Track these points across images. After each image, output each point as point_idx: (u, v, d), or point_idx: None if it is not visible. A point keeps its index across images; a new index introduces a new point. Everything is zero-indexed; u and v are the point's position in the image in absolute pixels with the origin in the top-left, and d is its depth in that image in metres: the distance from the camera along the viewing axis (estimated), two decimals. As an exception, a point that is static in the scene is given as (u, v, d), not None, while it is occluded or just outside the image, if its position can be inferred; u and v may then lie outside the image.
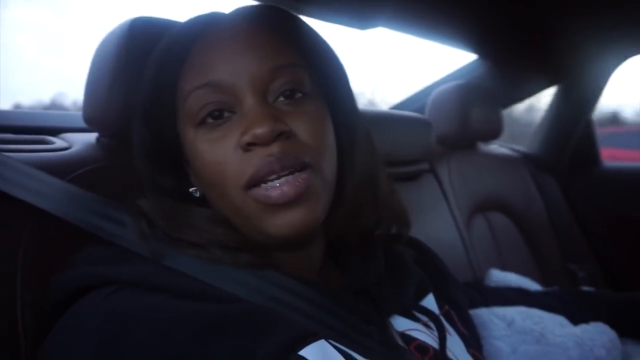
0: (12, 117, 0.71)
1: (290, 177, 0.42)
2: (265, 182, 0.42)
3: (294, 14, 0.50)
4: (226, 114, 0.44)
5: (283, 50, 0.45)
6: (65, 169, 0.54)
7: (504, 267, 1.18)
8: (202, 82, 0.44)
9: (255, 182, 0.42)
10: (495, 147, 1.57)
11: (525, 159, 1.59)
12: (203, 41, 0.46)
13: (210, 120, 0.44)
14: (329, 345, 0.41)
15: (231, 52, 0.44)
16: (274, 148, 0.42)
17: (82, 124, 0.63)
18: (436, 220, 1.18)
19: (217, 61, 0.44)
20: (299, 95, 0.45)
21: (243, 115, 0.43)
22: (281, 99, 0.44)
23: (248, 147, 0.42)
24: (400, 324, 0.50)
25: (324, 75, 0.49)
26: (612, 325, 0.64)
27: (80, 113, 0.62)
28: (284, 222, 0.43)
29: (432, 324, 0.52)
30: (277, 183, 0.42)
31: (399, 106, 1.61)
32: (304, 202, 0.43)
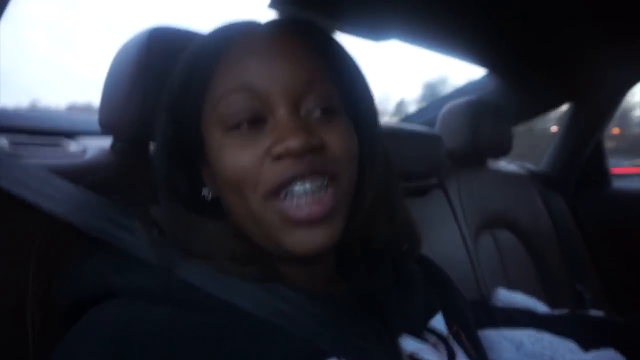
0: (28, 118, 0.72)
1: (318, 194, 0.42)
2: (291, 189, 0.42)
3: (325, 30, 0.50)
4: (258, 122, 0.44)
5: (317, 65, 0.46)
6: (79, 175, 0.54)
7: (510, 286, 1.16)
8: (235, 85, 0.44)
9: (280, 188, 0.42)
10: (504, 164, 1.56)
11: (534, 177, 1.58)
12: (238, 45, 0.46)
13: (242, 126, 0.44)
14: (339, 365, 0.40)
15: (267, 59, 0.44)
16: (305, 159, 0.42)
17: (98, 127, 0.63)
18: (443, 236, 1.17)
19: (252, 65, 0.44)
20: (330, 111, 0.45)
21: (275, 124, 0.43)
22: (313, 114, 0.45)
23: (279, 157, 0.42)
24: (409, 344, 0.49)
25: (350, 92, 0.49)
26: (622, 351, 0.63)
27: (96, 117, 0.62)
28: (304, 241, 0.42)
29: (440, 345, 0.51)
30: (302, 197, 0.42)
31: (408, 118, 1.61)
32: (328, 220, 0.43)
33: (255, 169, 0.43)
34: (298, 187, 0.42)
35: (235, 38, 0.46)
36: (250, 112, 0.44)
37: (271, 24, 0.48)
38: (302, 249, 0.43)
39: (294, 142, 0.41)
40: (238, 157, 0.43)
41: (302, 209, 0.42)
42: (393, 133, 1.07)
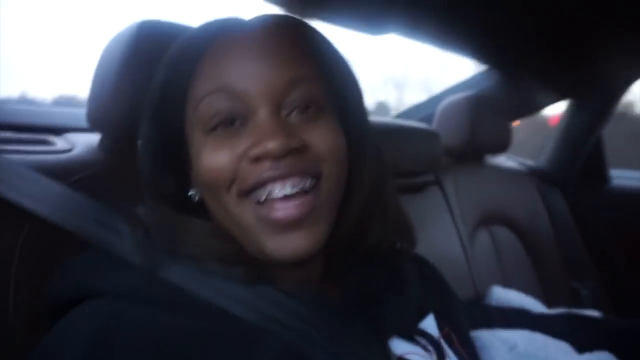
0: (15, 115, 0.71)
1: (297, 198, 0.41)
2: (270, 191, 0.41)
3: (312, 25, 0.49)
4: (237, 123, 0.43)
5: (300, 62, 0.44)
6: (65, 173, 0.53)
7: (507, 283, 1.15)
8: (214, 87, 0.43)
9: (255, 187, 0.41)
10: (503, 160, 1.55)
11: (533, 174, 1.57)
12: (218, 45, 0.44)
13: (221, 128, 0.43)
14: (325, 371, 0.39)
15: (247, 59, 0.43)
16: (284, 162, 0.41)
17: (86, 123, 0.62)
18: (439, 233, 1.16)
19: (232, 66, 0.43)
20: (314, 109, 0.44)
21: (254, 126, 0.42)
22: (295, 112, 0.43)
23: (257, 159, 0.41)
24: (399, 347, 0.49)
25: (338, 88, 0.48)
26: (618, 354, 0.62)
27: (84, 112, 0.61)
28: (285, 245, 0.41)
29: (431, 348, 0.51)
30: (280, 201, 0.41)
31: (405, 114, 1.60)
32: (308, 224, 0.42)
33: (231, 170, 0.42)
34: (277, 191, 0.41)
35: (217, 37, 0.45)
36: (228, 113, 0.43)
37: (254, 21, 0.47)
38: (282, 255, 0.42)
39: (271, 144, 0.40)
40: (214, 158, 0.42)
41: (278, 210, 0.41)
42: (389, 129, 1.06)
